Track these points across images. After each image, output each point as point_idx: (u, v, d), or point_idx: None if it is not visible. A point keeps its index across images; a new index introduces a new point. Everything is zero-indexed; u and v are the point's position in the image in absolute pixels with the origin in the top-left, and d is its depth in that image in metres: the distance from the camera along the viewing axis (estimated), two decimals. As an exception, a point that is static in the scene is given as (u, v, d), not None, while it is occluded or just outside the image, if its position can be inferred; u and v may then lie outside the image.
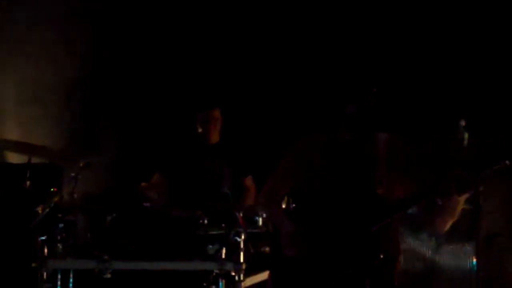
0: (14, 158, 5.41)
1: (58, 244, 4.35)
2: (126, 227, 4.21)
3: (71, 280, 4.29)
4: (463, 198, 3.69)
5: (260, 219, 4.09)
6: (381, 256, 3.61)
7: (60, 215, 4.39)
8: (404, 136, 3.90)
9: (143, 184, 4.58)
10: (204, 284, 4.03)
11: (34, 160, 4.79)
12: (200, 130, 4.96)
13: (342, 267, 3.60)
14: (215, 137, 4.99)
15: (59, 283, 4.27)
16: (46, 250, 4.25)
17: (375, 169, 3.78)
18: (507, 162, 3.54)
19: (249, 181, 5.11)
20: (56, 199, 4.48)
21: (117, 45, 5.95)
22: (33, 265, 4.36)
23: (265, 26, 5.93)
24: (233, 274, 4.02)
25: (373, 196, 3.74)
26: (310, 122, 4.93)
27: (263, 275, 4.29)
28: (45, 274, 4.21)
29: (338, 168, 3.83)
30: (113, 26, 5.95)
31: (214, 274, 4.04)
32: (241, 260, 4.01)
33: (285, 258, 3.78)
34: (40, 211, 4.38)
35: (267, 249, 4.18)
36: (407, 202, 3.66)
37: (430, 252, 3.91)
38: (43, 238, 4.30)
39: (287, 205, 4.00)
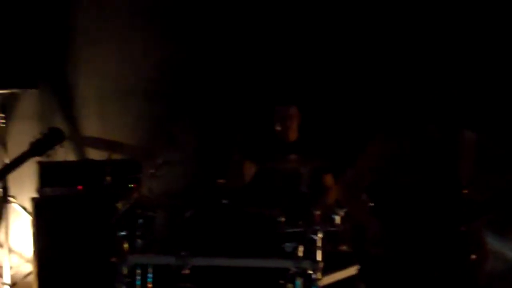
0: (95, 154, 5.52)
1: (138, 240, 4.42)
2: (204, 224, 4.24)
3: (150, 275, 4.35)
4: None
5: (338, 218, 4.05)
6: (472, 257, 3.52)
7: (139, 211, 4.47)
8: (493, 136, 3.79)
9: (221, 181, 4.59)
10: (281, 282, 4.03)
11: (114, 156, 4.88)
12: (278, 127, 4.93)
13: (432, 268, 3.52)
14: (293, 135, 4.95)
15: (138, 278, 4.35)
16: (126, 246, 4.33)
17: (460, 168, 3.68)
18: None
19: (329, 179, 5.04)
20: (135, 195, 4.56)
21: (197, 42, 5.99)
22: (113, 260, 4.45)
23: (346, 23, 5.86)
24: (310, 272, 4.00)
25: (459, 195, 3.65)
26: (392, 117, 4.83)
27: (341, 274, 4.25)
28: (124, 269, 4.29)
29: (424, 165, 3.76)
30: (192, 23, 5.99)
31: (291, 272, 4.04)
32: (319, 258, 3.99)
33: (371, 256, 3.71)
34: (120, 207, 4.46)
35: (345, 247, 4.14)
36: (495, 204, 3.56)
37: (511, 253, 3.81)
38: (123, 233, 4.38)
39: (366, 201, 3.95)
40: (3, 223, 5.60)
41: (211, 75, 5.98)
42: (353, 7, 5.84)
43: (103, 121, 5.93)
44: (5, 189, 5.45)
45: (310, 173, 4.74)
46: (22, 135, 5.82)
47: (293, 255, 4.06)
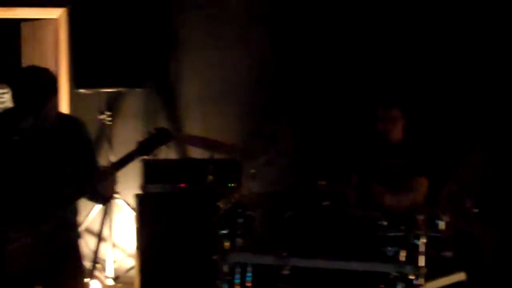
0: (197, 153, 5.59)
1: (238, 239, 4.45)
2: (304, 225, 4.23)
3: (249, 274, 4.37)
4: None
5: (442, 223, 3.95)
6: None
7: (240, 210, 4.50)
8: None
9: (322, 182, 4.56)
10: (381, 286, 3.97)
11: (216, 156, 4.92)
12: (380, 128, 4.85)
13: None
14: (396, 136, 4.85)
15: (237, 276, 4.38)
16: (227, 244, 4.37)
17: None
18: None
19: (420, 182, 4.87)
20: (236, 194, 4.59)
21: (297, 43, 5.98)
22: (214, 257, 4.50)
23: (451, 28, 5.73)
24: (412, 277, 3.93)
25: None
26: (492, 124, 4.68)
27: (444, 281, 4.15)
28: (225, 267, 4.33)
29: None
30: (292, 23, 5.99)
31: (391, 276, 3.98)
32: (421, 263, 3.90)
33: (484, 264, 3.62)
34: (221, 206, 4.51)
35: (449, 253, 4.03)
36: None
37: None
38: (224, 232, 4.42)
39: (470, 209, 3.85)
40: (107, 218, 5.75)
41: (312, 75, 5.96)
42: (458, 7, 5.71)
43: (204, 121, 6.01)
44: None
45: (402, 168, 4.64)
46: (126, 133, 6.01)
47: (394, 259, 3.98)
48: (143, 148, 3.57)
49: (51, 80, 3.49)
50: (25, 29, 6.26)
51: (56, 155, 3.60)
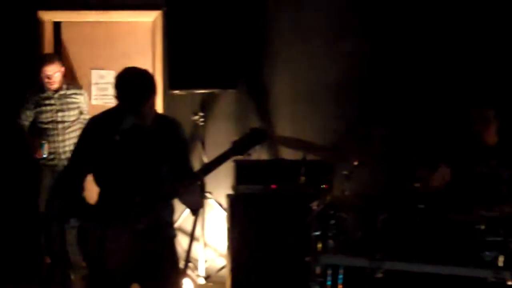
0: (289, 154, 5.59)
1: (330, 240, 4.43)
2: (399, 228, 4.16)
3: (340, 276, 4.35)
4: None
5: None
6: None
7: (332, 212, 4.47)
8: None
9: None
10: (478, 292, 3.89)
11: (308, 157, 4.91)
12: (474, 130, 4.74)
13: None
14: (490, 138, 4.73)
15: (329, 278, 4.36)
16: (319, 246, 4.35)
17: None
18: None
19: None
20: (328, 196, 4.57)
21: (391, 42, 5.90)
22: (307, 259, 4.49)
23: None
24: (510, 283, 3.82)
25: None
26: None
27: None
28: (317, 268, 4.31)
29: None
30: (387, 23, 5.91)
31: (489, 281, 3.88)
32: (521, 270, 3.80)
33: None
34: (314, 207, 4.50)
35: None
36: None
37: None
38: (317, 233, 4.41)
39: None
40: (200, 218, 5.82)
41: (407, 75, 5.86)
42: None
43: (296, 121, 6.00)
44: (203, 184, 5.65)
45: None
46: (219, 134, 6.07)
47: (492, 264, 3.90)
48: (238, 147, 3.58)
49: (151, 80, 3.59)
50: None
51: (154, 154, 3.67)
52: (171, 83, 5.60)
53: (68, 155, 5.40)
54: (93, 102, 6.40)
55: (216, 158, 3.60)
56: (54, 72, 5.76)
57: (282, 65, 6.02)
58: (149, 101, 3.57)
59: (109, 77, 6.36)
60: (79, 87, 6.05)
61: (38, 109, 5.83)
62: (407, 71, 5.87)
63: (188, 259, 5.36)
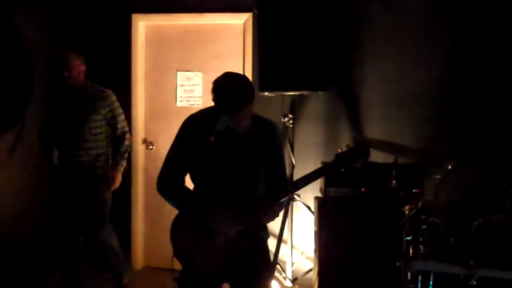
0: (379, 157, 5.52)
1: (420, 246, 4.35)
2: (493, 234, 4.05)
3: (431, 283, 4.26)
4: None
5: None
6: None
7: (423, 217, 4.39)
8: None
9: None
10: None
11: (400, 160, 4.83)
12: None
13: None
14: None
15: (419, 284, 4.28)
16: (411, 251, 4.28)
17: None
18: None
19: None
20: (420, 200, 4.48)
21: (482, 43, 5.72)
22: (397, 264, 4.42)
23: None
24: None
25: None
26: None
27: None
28: (409, 274, 4.24)
29: None
30: (482, 23, 5.73)
31: None
32: None
33: None
34: (406, 211, 4.42)
35: None
36: None
37: None
38: (409, 238, 4.33)
39: None
40: (288, 220, 5.82)
41: (501, 77, 5.68)
42: None
43: (387, 124, 5.91)
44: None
45: None
46: (308, 136, 6.06)
47: None
48: (341, 161, 3.55)
49: (249, 87, 3.61)
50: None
51: (250, 157, 3.69)
52: (261, 84, 5.62)
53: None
54: (178, 104, 6.51)
55: (317, 170, 3.59)
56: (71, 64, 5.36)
57: (373, 67, 5.93)
58: (247, 107, 3.58)
59: (196, 78, 6.44)
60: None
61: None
62: (502, 72, 5.68)
63: (275, 261, 5.40)
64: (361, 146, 3.55)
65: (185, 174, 3.78)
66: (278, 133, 3.84)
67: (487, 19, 5.71)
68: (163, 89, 6.59)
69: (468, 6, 5.76)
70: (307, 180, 3.59)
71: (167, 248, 3.74)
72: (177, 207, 3.73)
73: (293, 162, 5.77)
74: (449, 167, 4.54)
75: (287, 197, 3.69)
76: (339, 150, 3.57)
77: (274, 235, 5.83)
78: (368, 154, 3.57)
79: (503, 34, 5.66)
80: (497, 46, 5.68)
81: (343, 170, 3.55)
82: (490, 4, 5.70)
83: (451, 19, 5.80)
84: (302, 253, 6.12)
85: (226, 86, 3.56)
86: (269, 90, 5.65)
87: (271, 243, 5.72)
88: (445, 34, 5.81)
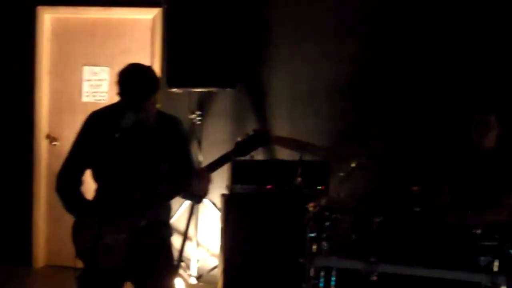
0: (285, 154, 5.57)
1: (324, 242, 4.40)
2: (394, 231, 4.14)
3: (333, 278, 4.32)
4: None
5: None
6: None
7: (327, 214, 4.45)
8: None
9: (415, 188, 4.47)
10: (472, 296, 3.86)
11: (305, 158, 4.88)
12: (474, 134, 4.73)
13: None
14: (488, 144, 4.72)
15: (322, 280, 4.33)
16: (314, 247, 4.32)
17: None
18: None
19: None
20: (325, 197, 4.54)
21: (387, 44, 5.86)
22: (301, 260, 4.46)
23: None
24: (504, 289, 3.81)
25: None
26: None
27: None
28: (311, 270, 4.29)
29: None
30: (386, 24, 5.87)
31: (483, 286, 3.87)
32: (515, 275, 3.78)
33: None
34: (311, 208, 4.47)
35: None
36: None
37: None
38: (312, 235, 4.38)
39: None
40: (193, 218, 5.79)
41: (405, 77, 5.83)
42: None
43: (294, 121, 5.98)
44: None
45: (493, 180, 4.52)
46: (216, 133, 6.06)
47: (487, 269, 3.88)
48: (241, 149, 3.56)
49: (155, 77, 3.57)
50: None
51: (154, 152, 3.65)
52: (169, 81, 5.58)
53: None
54: (84, 99, 6.39)
55: (219, 159, 3.58)
56: None
57: (280, 65, 6.00)
58: (153, 97, 3.54)
59: (102, 74, 6.34)
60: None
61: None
62: (406, 73, 5.83)
63: (180, 259, 5.36)
64: (260, 133, 3.58)
65: (83, 174, 3.70)
66: (183, 127, 3.82)
67: (392, 20, 5.86)
68: (69, 83, 6.45)
69: (374, 6, 5.89)
70: (208, 170, 3.58)
71: (70, 246, 3.66)
72: (71, 214, 3.67)
73: (201, 159, 5.76)
74: (353, 165, 4.64)
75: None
76: (238, 139, 3.59)
77: (179, 233, 5.82)
78: (267, 141, 3.61)
79: (408, 35, 5.82)
80: (402, 46, 5.83)
81: (243, 157, 3.57)
82: (397, 4, 5.85)
83: (357, 20, 5.92)
84: (208, 250, 6.12)
85: (131, 76, 3.51)
86: (177, 87, 5.62)
87: (176, 241, 5.73)
88: (352, 33, 5.93)
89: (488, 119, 4.66)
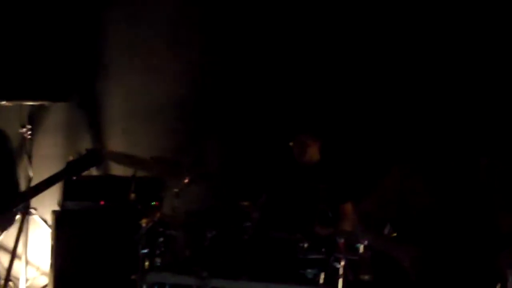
0: (119, 170, 5.52)
1: (157, 258, 4.40)
2: (226, 245, 4.21)
3: (167, 294, 4.32)
4: None
5: (362, 246, 4.01)
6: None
7: (161, 229, 4.45)
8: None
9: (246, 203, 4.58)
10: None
11: (139, 173, 4.87)
12: (294, 152, 5.05)
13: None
14: (308, 159, 5.02)
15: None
16: (146, 264, 4.31)
17: (480, 196, 3.74)
18: None
19: (348, 207, 5.02)
20: (158, 213, 4.54)
21: (224, 61, 5.98)
22: (133, 277, 4.42)
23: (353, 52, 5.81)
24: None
25: (483, 224, 3.72)
26: (412, 147, 4.81)
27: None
28: (144, 287, 4.26)
29: (443, 194, 3.81)
30: (220, 43, 5.98)
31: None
32: (340, 286, 3.95)
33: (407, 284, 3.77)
34: (144, 224, 4.45)
35: (367, 277, 4.09)
36: None
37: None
38: (145, 251, 4.36)
39: (389, 232, 3.94)
40: (23, 235, 5.60)
41: (239, 94, 5.95)
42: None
43: (129, 137, 5.94)
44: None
45: (328, 194, 4.77)
46: (47, 148, 5.89)
47: (314, 281, 4.02)
48: (72, 169, 3.50)
49: None
50: None
51: None
52: (-3, 93, 5.38)
53: None
54: None
55: (48, 179, 3.49)
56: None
57: (116, 79, 5.95)
58: None
59: None
60: None
61: None
62: (237, 90, 5.96)
63: (8, 278, 5.16)
64: (92, 153, 3.53)
65: None
66: (10, 142, 3.69)
67: (232, 36, 5.96)
68: None
69: (213, 21, 5.98)
70: (35, 190, 3.48)
71: None
72: None
73: (31, 174, 5.57)
74: (186, 180, 4.69)
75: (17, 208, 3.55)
76: (70, 158, 3.52)
77: (7, 251, 5.60)
78: (100, 161, 3.57)
79: (240, 47, 5.96)
80: (237, 58, 5.95)
81: (74, 178, 3.51)
82: (230, 15, 5.96)
83: (196, 33, 5.98)
84: (38, 268, 5.92)
85: None
86: (5, 99, 5.43)
87: (4, 259, 5.51)
88: (189, 49, 5.98)
89: (303, 138, 4.98)
